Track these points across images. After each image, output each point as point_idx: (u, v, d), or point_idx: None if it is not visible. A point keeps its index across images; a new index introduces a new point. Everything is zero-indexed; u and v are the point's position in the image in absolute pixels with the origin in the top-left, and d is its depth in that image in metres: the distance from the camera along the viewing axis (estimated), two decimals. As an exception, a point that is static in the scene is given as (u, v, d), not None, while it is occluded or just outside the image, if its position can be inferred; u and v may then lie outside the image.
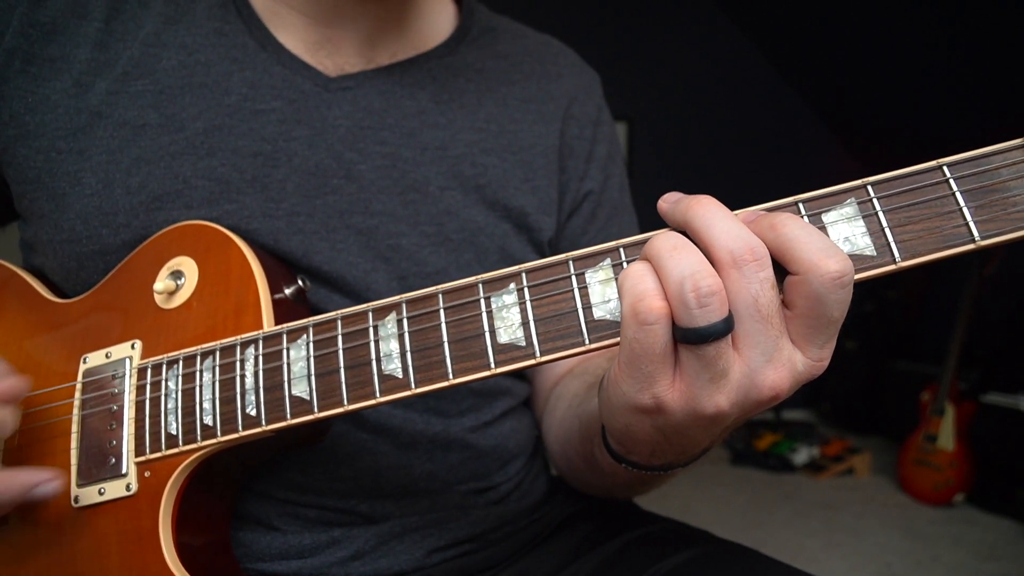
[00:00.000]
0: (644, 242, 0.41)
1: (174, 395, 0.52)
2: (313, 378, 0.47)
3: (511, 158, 0.69)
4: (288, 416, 0.48)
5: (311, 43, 0.65)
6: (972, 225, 0.38)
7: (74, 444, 0.54)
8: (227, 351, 0.51)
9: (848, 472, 3.12)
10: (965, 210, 0.38)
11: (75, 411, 0.55)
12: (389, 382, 0.45)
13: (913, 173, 0.39)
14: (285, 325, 0.50)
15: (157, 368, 0.53)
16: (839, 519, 2.66)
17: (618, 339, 0.40)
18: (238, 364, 0.50)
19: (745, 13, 3.82)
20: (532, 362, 0.42)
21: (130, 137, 0.59)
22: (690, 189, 0.41)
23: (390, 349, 0.46)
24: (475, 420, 0.68)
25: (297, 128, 0.62)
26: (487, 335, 0.43)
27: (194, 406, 0.51)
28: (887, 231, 0.39)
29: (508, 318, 0.43)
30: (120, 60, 0.61)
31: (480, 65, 0.72)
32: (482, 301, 0.44)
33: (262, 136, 0.61)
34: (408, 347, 0.45)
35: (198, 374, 0.51)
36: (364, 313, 0.47)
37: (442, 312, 0.45)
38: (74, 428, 0.54)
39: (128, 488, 0.52)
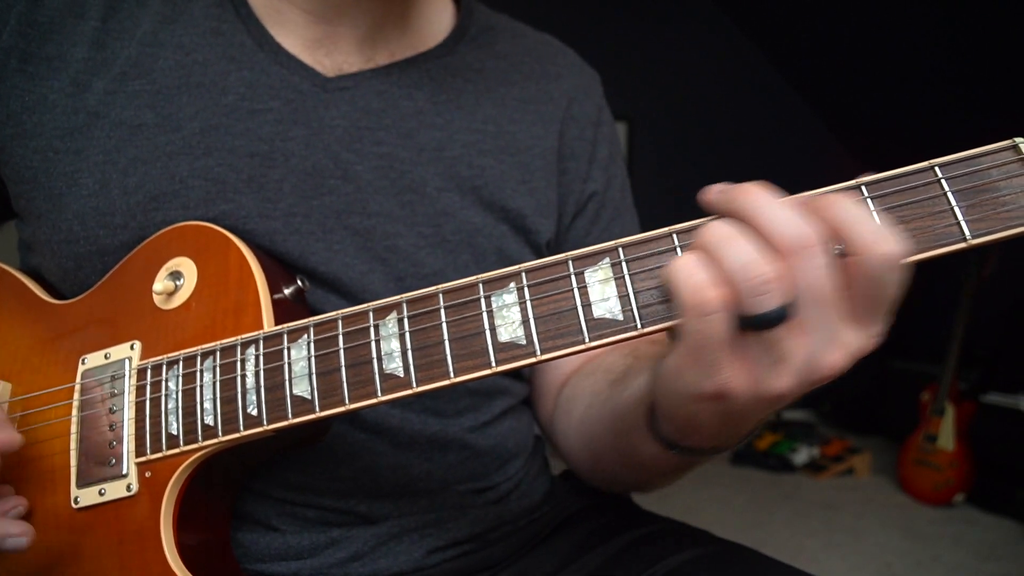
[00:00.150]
0: (643, 241, 0.42)
1: (174, 395, 0.52)
2: (314, 377, 0.48)
3: (509, 159, 0.69)
4: (290, 415, 0.48)
5: (310, 41, 0.65)
6: (963, 224, 0.38)
7: (73, 445, 0.54)
8: (227, 351, 0.51)
9: (848, 472, 3.12)
10: (956, 209, 0.39)
11: (74, 412, 0.55)
12: (390, 381, 0.45)
13: (906, 173, 0.40)
14: (286, 325, 0.50)
15: (157, 368, 0.53)
16: (839, 519, 2.66)
17: (616, 336, 0.41)
18: (239, 364, 0.50)
19: (745, 13, 3.83)
20: (533, 360, 0.43)
21: (127, 137, 0.59)
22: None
23: (391, 348, 0.46)
24: (473, 420, 0.68)
25: (294, 128, 0.62)
26: (488, 333, 0.44)
27: (195, 406, 0.51)
28: (882, 229, 0.39)
29: (508, 317, 0.43)
30: (117, 60, 0.61)
31: (479, 65, 0.71)
32: (482, 300, 0.44)
33: (259, 136, 0.61)
34: (409, 346, 0.45)
35: (198, 374, 0.51)
36: (365, 313, 0.47)
37: (443, 311, 0.45)
38: (73, 429, 0.54)
39: (129, 488, 0.52)
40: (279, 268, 0.58)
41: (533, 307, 0.43)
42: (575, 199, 0.74)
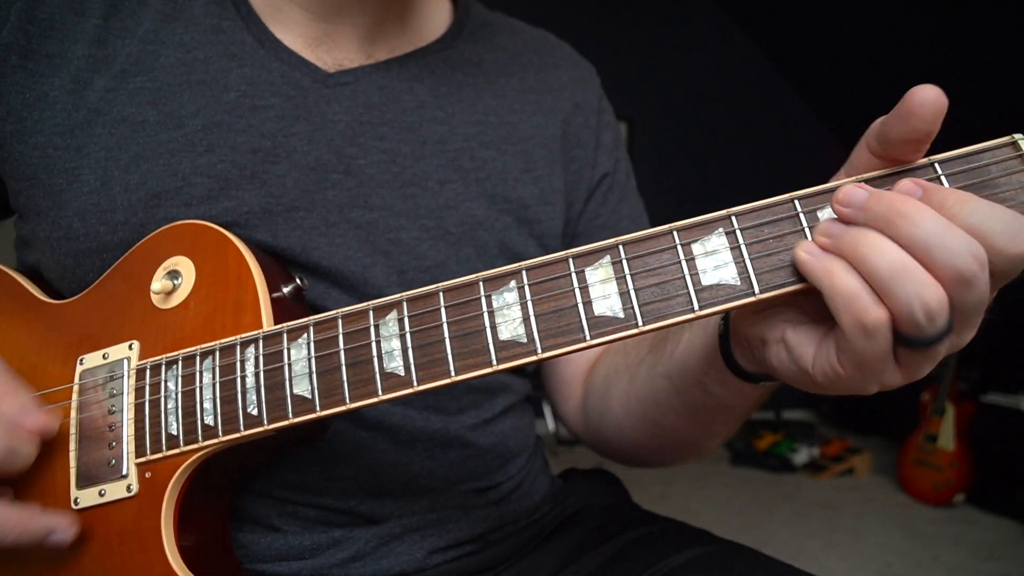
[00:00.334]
0: (644, 239, 0.42)
1: (174, 395, 0.51)
2: (315, 376, 0.47)
3: (511, 149, 0.69)
4: (290, 415, 0.48)
5: (310, 39, 0.65)
6: None
7: (73, 446, 0.54)
8: (227, 351, 0.51)
9: (848, 472, 3.12)
10: None
11: (73, 413, 0.55)
12: (391, 380, 0.45)
13: (906, 170, 0.40)
14: (285, 324, 0.50)
15: (156, 369, 0.53)
16: (839, 519, 2.67)
17: (617, 334, 0.41)
18: (238, 364, 0.50)
19: (745, 13, 3.83)
20: (534, 358, 0.42)
21: (128, 134, 0.59)
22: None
23: (391, 347, 0.46)
24: (475, 417, 0.68)
25: (296, 124, 0.62)
26: (488, 331, 0.44)
27: (195, 406, 0.50)
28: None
29: (509, 315, 0.43)
30: (118, 57, 0.61)
31: (478, 58, 0.72)
32: (483, 299, 0.44)
33: (261, 132, 0.61)
34: (409, 344, 0.45)
35: (198, 374, 0.51)
36: (365, 312, 0.47)
37: (443, 310, 0.45)
38: (72, 430, 0.54)
39: (129, 489, 0.51)
40: (277, 266, 0.58)
41: (534, 305, 0.43)
42: (586, 185, 0.74)
